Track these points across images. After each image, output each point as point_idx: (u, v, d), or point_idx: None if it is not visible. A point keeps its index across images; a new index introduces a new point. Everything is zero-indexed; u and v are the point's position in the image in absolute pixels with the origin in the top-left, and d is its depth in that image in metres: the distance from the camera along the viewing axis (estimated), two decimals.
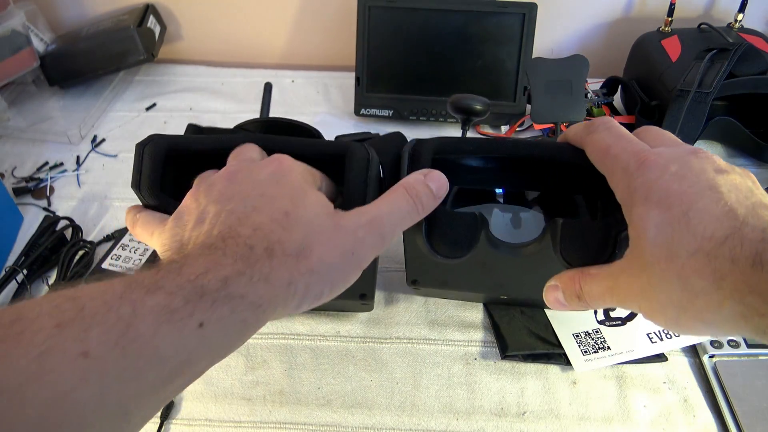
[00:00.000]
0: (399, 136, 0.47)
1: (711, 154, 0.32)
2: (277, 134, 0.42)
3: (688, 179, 0.30)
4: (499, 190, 0.54)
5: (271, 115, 0.83)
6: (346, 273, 0.33)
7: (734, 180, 0.30)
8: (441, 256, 0.41)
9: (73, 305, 0.23)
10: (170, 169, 0.41)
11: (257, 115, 0.83)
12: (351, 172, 0.39)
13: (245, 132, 0.52)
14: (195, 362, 0.26)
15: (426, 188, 0.36)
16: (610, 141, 0.34)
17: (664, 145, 0.34)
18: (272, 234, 0.30)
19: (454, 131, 0.78)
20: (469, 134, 0.76)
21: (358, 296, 0.47)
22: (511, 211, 0.51)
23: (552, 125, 0.72)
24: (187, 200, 0.34)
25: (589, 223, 0.39)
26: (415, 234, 0.42)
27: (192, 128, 0.50)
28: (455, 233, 0.41)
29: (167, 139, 0.41)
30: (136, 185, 0.40)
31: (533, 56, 0.76)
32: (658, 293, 0.29)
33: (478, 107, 0.55)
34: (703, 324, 0.28)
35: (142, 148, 0.40)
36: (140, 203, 0.41)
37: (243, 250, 0.29)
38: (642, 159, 0.32)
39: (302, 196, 0.33)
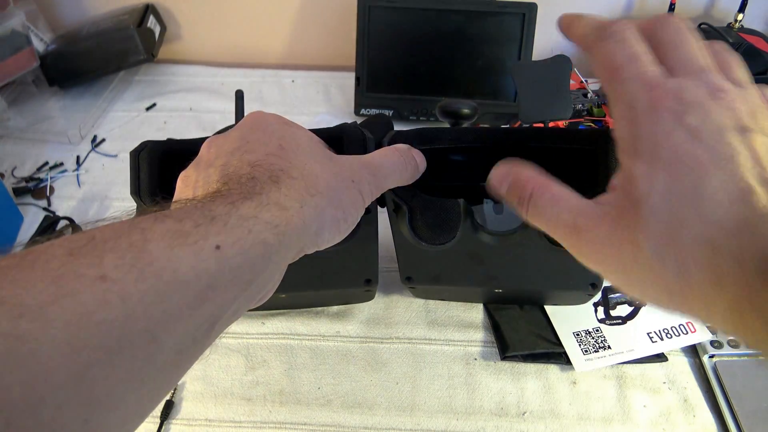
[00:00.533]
0: (383, 118, 0.48)
1: (736, 96, 0.26)
2: None
3: (704, 140, 0.25)
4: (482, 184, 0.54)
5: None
6: (353, 199, 0.32)
7: (758, 145, 0.25)
8: (425, 243, 0.42)
9: (83, 236, 0.22)
10: (166, 173, 0.40)
11: None
12: (350, 151, 0.39)
13: None
14: (220, 289, 0.24)
15: (412, 157, 0.38)
16: (621, 60, 0.28)
17: (687, 68, 0.27)
18: (273, 165, 0.30)
19: None
20: None
21: (364, 281, 0.49)
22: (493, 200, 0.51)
23: (541, 124, 0.73)
24: (179, 184, 0.34)
25: None
26: (400, 222, 0.42)
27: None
28: (438, 218, 0.42)
29: (162, 144, 0.41)
30: (136, 192, 0.40)
31: (533, 57, 0.76)
32: (644, 269, 0.26)
33: (466, 111, 0.56)
34: (690, 313, 0.25)
35: (137, 154, 0.40)
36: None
37: (246, 182, 0.28)
38: (654, 99, 0.26)
39: (289, 131, 0.34)
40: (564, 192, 0.30)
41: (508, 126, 0.74)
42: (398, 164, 0.37)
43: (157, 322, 0.22)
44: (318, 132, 0.40)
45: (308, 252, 0.31)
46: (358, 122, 0.47)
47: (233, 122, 0.58)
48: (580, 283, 0.47)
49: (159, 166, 0.40)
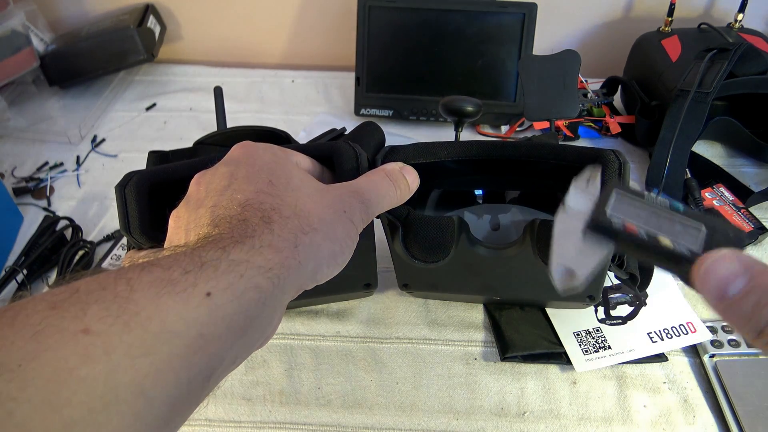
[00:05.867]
0: (371, 126, 0.47)
1: None
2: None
3: None
4: (478, 192, 0.54)
5: (268, 114, 0.83)
6: (346, 230, 0.32)
7: None
8: (419, 261, 0.42)
9: (67, 289, 0.21)
10: (155, 203, 0.39)
11: (258, 115, 0.83)
12: (342, 171, 0.39)
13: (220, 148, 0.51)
14: (214, 337, 0.23)
15: (403, 178, 0.37)
16: None
17: None
18: (263, 204, 0.29)
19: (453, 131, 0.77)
20: (467, 134, 0.77)
21: (363, 286, 0.49)
22: (490, 213, 0.51)
23: (547, 123, 0.73)
24: (171, 223, 0.33)
25: None
26: (394, 240, 0.42)
27: (153, 156, 0.48)
28: (431, 238, 0.41)
29: (147, 175, 0.39)
30: (126, 229, 0.38)
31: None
32: None
33: (470, 109, 0.55)
34: None
35: (122, 189, 0.38)
36: (131, 244, 0.39)
37: (237, 225, 0.28)
38: None
39: (280, 165, 0.33)
40: None
41: (503, 140, 0.74)
42: (388, 189, 0.36)
43: (145, 376, 0.21)
44: (309, 150, 0.39)
45: (308, 288, 0.30)
46: (358, 123, 0.47)
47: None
48: (577, 295, 0.47)
49: (147, 201, 0.38)
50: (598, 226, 0.29)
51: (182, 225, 0.31)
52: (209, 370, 0.24)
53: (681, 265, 0.26)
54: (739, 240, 0.26)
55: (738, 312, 0.23)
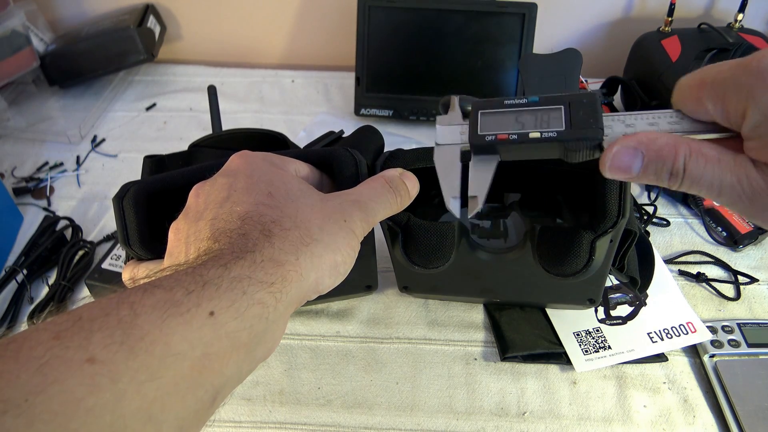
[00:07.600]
0: (370, 130, 0.47)
1: None
2: (238, 146, 0.39)
3: None
4: None
5: (268, 115, 0.83)
6: (347, 240, 0.32)
7: None
8: (419, 267, 0.41)
9: (69, 317, 0.21)
10: (153, 214, 0.39)
11: (258, 115, 0.83)
12: (341, 178, 0.39)
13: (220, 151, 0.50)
14: (219, 357, 0.24)
15: (402, 184, 0.37)
16: None
17: None
18: (263, 217, 0.29)
19: None
20: None
21: (364, 287, 0.50)
22: (491, 218, 0.51)
23: None
24: (171, 236, 0.33)
25: (567, 231, 0.39)
26: (394, 246, 0.42)
27: (149, 161, 0.48)
28: (431, 244, 0.41)
29: (144, 186, 0.39)
30: (125, 242, 0.38)
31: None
32: None
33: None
34: None
35: (120, 201, 0.38)
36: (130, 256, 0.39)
37: (237, 239, 0.27)
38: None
39: (279, 175, 0.33)
40: (714, 151, 0.28)
41: None
42: (388, 196, 0.36)
43: (153, 401, 0.21)
44: (308, 156, 0.39)
45: (310, 299, 0.30)
46: (358, 123, 0.47)
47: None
48: (578, 298, 0.47)
49: (145, 212, 0.38)
50: (477, 147, 0.34)
51: (182, 238, 0.31)
52: (215, 387, 0.24)
53: (559, 146, 0.32)
54: (592, 101, 0.32)
55: (647, 179, 0.29)
